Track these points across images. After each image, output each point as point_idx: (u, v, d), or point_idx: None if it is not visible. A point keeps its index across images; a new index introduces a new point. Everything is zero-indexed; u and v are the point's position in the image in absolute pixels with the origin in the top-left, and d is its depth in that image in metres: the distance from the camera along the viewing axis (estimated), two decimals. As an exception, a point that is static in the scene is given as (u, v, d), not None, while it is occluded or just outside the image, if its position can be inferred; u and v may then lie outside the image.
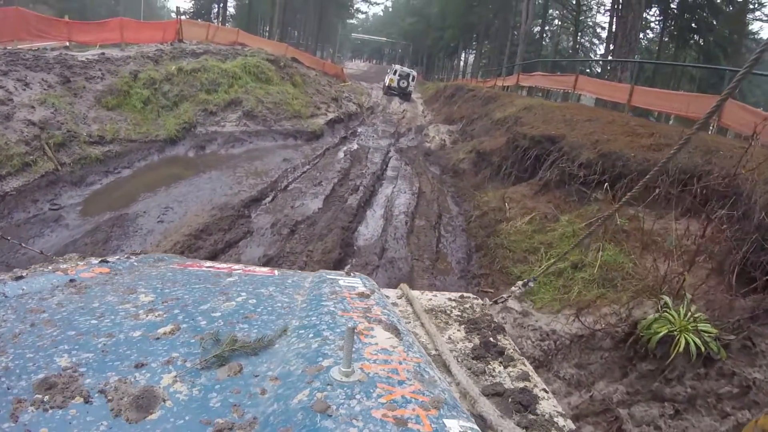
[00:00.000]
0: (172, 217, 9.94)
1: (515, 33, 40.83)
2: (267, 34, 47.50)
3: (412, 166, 17.83)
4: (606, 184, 9.38)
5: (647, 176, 3.31)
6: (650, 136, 10.36)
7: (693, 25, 30.60)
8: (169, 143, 14.58)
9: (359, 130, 23.68)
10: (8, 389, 1.14)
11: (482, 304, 3.14)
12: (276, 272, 2.50)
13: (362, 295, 2.03)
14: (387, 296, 2.56)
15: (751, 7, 27.98)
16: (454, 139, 22.44)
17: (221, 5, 58.60)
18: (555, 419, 1.92)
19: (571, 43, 44.87)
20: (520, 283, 4.02)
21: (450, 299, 3.17)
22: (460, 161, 17.74)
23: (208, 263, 2.62)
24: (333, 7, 56.17)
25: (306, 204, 11.57)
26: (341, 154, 17.53)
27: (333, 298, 1.94)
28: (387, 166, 17.21)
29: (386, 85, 37.51)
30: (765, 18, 28.45)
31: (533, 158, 12.83)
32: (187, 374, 1.26)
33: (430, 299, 3.12)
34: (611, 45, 30.18)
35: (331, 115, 22.12)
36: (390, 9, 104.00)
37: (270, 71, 20.71)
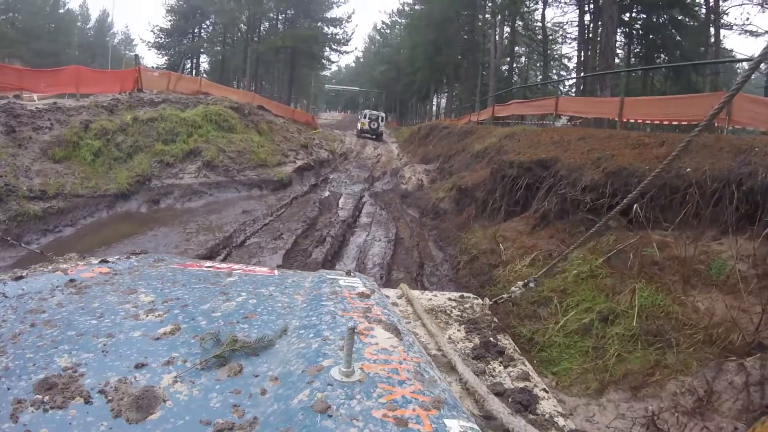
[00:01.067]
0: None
1: (484, 72, 43.24)
2: (241, 87, 49.05)
3: (387, 210, 16.98)
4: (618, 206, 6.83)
5: (639, 186, 3.40)
6: (661, 145, 9.25)
7: (658, 43, 31.67)
8: (120, 198, 13.91)
9: (331, 177, 23.15)
10: (8, 389, 1.13)
11: (482, 304, 3.10)
12: (276, 272, 2.45)
13: (362, 295, 2.01)
14: (387, 296, 2.55)
15: (713, 17, 28.49)
16: (431, 178, 21.76)
17: (194, 60, 60.48)
18: (555, 419, 1.88)
19: (540, 77, 46.44)
20: (520, 283, 3.82)
21: (450, 299, 3.13)
22: (440, 201, 16.57)
23: (208, 263, 2.58)
24: (304, 58, 58.32)
25: (263, 261, 10.43)
26: (310, 203, 16.59)
27: (333, 298, 1.92)
28: (360, 212, 16.36)
29: (359, 128, 40.88)
30: (728, 26, 28.95)
31: (524, 188, 11.63)
32: (188, 374, 1.26)
33: (430, 299, 3.08)
34: (581, 73, 31.56)
35: (300, 163, 21.56)
36: (361, 59, 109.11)
37: (233, 119, 20.21)
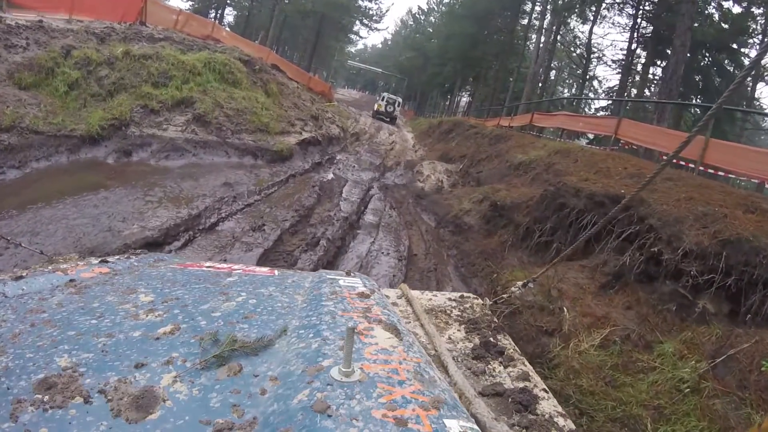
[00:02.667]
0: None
1: (514, 78, 43.15)
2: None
3: (399, 210, 14.86)
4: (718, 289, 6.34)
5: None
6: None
7: (700, 85, 30.40)
8: (87, 142, 12.01)
9: (338, 158, 20.94)
10: (8, 389, 1.15)
11: (482, 304, 3.09)
12: (276, 272, 2.46)
13: (362, 295, 2.02)
14: (387, 296, 2.54)
15: (762, 72, 27.87)
16: (453, 181, 19.40)
17: (220, 11, 57.90)
18: (555, 419, 1.88)
19: (572, 91, 46.13)
20: (519, 283, 3.83)
21: (450, 299, 3.12)
22: (464, 213, 13.77)
23: (208, 263, 2.58)
24: (331, 28, 56.26)
25: (230, 259, 8.39)
26: (308, 185, 14.41)
27: (333, 298, 1.94)
28: (366, 207, 14.17)
29: (375, 109, 42.67)
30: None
31: (589, 227, 8.90)
32: (187, 374, 1.28)
33: (431, 299, 3.07)
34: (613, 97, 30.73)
35: (306, 135, 19.02)
36: (389, 42, 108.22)
37: (240, 72, 17.94)
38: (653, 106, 21.63)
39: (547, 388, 2.10)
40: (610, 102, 34.50)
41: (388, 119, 40.91)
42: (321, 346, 1.42)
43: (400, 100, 46.77)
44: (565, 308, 7.15)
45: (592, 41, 37.83)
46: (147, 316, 1.59)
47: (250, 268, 2.60)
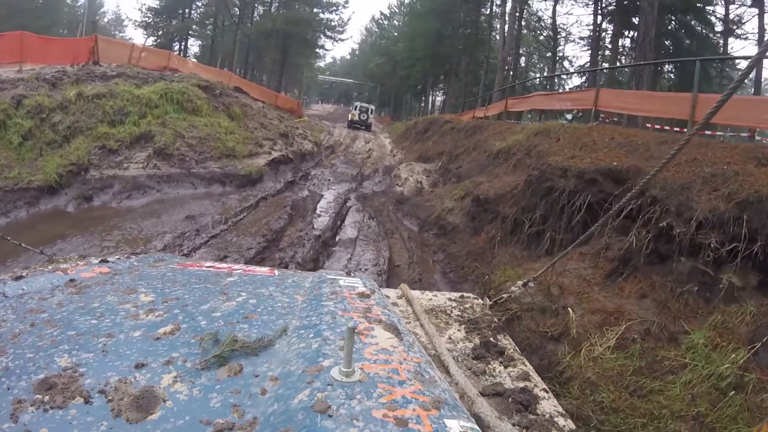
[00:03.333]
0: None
1: (487, 69, 43.70)
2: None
3: (378, 219, 13.95)
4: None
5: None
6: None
7: (671, 50, 30.45)
8: (46, 192, 11.51)
9: (313, 173, 20.39)
10: (8, 389, 1.16)
11: (482, 304, 3.09)
12: (276, 272, 2.48)
13: (362, 295, 2.03)
14: (387, 296, 2.55)
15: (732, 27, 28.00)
16: (433, 180, 18.60)
17: (183, 43, 58.69)
18: (555, 419, 1.88)
19: (545, 73, 45.41)
20: (520, 283, 3.92)
21: (450, 299, 3.12)
22: (447, 212, 13.04)
23: (209, 263, 2.59)
24: (297, 45, 56.11)
25: None
26: (280, 206, 13.76)
27: (333, 298, 1.95)
28: (343, 222, 13.35)
29: (349, 119, 43.64)
30: (744, 36, 28.42)
31: (584, 209, 8.18)
32: (188, 374, 1.29)
33: (431, 299, 3.07)
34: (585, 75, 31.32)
35: (276, 154, 18.56)
36: (357, 52, 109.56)
37: (199, 99, 17.59)
38: (628, 75, 20.75)
39: (547, 388, 2.08)
40: (584, 79, 34.54)
41: (362, 127, 42.19)
42: (321, 346, 1.42)
43: (373, 107, 48.82)
44: (569, 307, 6.08)
45: (557, 21, 38.22)
46: (147, 316, 1.58)
47: (250, 268, 2.61)
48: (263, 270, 2.55)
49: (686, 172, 6.84)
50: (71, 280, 1.89)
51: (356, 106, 45.59)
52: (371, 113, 45.80)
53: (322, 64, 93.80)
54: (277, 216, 12.36)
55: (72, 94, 13.91)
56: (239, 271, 2.36)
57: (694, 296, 5.64)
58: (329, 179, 19.51)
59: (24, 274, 1.86)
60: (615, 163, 8.26)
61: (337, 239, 11.61)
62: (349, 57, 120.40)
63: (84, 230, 10.17)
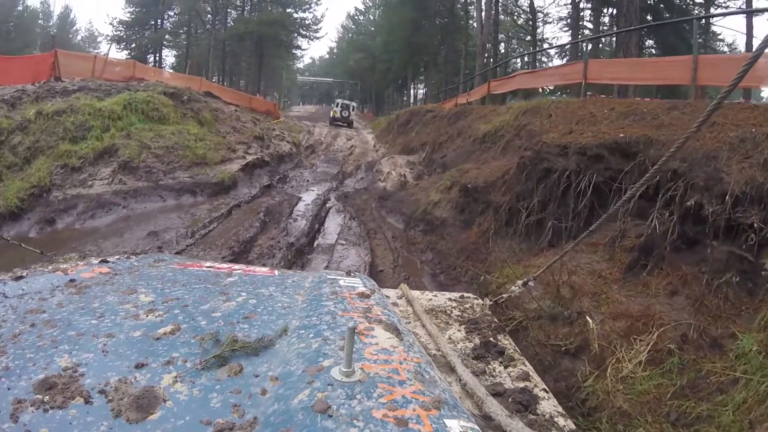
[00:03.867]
0: None
1: (467, 56, 41.57)
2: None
3: (360, 219, 13.25)
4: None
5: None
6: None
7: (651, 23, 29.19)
8: (8, 218, 10.96)
9: (291, 174, 19.54)
10: (8, 389, 1.15)
11: (482, 304, 3.07)
12: (276, 272, 2.46)
13: (362, 295, 2.02)
14: (387, 296, 2.50)
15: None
16: (417, 172, 17.62)
17: (157, 54, 57.45)
18: (555, 419, 1.88)
19: (524, 59, 44.06)
20: (520, 282, 3.70)
21: (450, 299, 3.09)
22: (433, 205, 11.92)
23: (209, 263, 2.58)
24: (272, 47, 55.46)
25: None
26: (254, 213, 12.87)
27: (333, 298, 1.94)
28: (322, 224, 12.73)
29: (331, 117, 43.94)
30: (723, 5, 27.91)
31: (590, 191, 7.08)
32: (188, 374, 1.29)
33: (431, 299, 3.05)
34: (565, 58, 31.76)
35: (250, 158, 17.59)
36: (335, 50, 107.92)
37: (166, 107, 16.91)
38: (613, 51, 19.76)
39: (547, 388, 2.07)
40: (565, 60, 34.52)
41: (345, 124, 42.64)
42: (321, 346, 1.42)
43: (354, 104, 50.88)
44: (586, 313, 4.94)
45: (535, 4, 38.39)
46: (147, 316, 1.58)
47: (251, 268, 2.57)
48: (263, 270, 2.53)
49: (708, 139, 5.81)
50: (71, 281, 1.86)
51: (337, 103, 46.39)
52: (353, 110, 46.71)
53: (300, 65, 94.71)
54: (248, 224, 11.66)
55: (31, 113, 13.42)
56: (239, 271, 2.34)
57: (735, 289, 4.68)
58: (309, 180, 18.99)
59: (24, 274, 1.84)
60: (621, 135, 7.19)
61: (314, 245, 11.03)
62: (327, 56, 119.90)
63: (41, 257, 9.46)
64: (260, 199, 14.66)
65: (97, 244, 10.09)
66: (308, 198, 15.38)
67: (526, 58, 41.90)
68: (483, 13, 31.40)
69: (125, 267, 2.19)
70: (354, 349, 1.27)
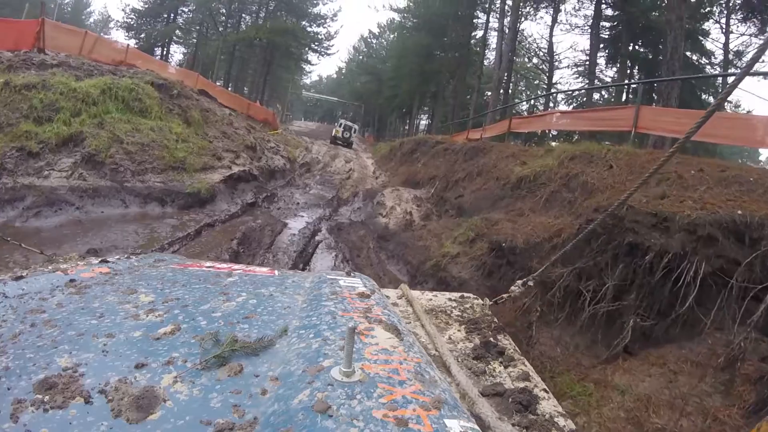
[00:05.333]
0: None
1: (479, 83, 41.84)
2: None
3: (355, 262, 10.91)
4: None
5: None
6: None
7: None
8: None
9: (280, 194, 17.27)
10: (8, 389, 1.15)
11: (482, 304, 3.01)
12: (276, 272, 2.43)
13: (362, 296, 2.00)
14: (387, 296, 2.56)
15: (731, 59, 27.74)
16: (425, 211, 14.92)
17: (165, 49, 55.93)
18: (555, 419, 1.83)
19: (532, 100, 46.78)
20: (519, 282, 3.64)
21: (450, 299, 3.05)
22: (450, 260, 9.13)
23: (209, 263, 2.55)
24: (281, 57, 54.73)
25: None
26: (227, 238, 10.62)
27: (333, 298, 1.92)
28: (307, 266, 10.54)
29: (333, 135, 45.16)
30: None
31: (696, 285, 5.01)
32: (188, 374, 1.29)
33: (431, 299, 3.02)
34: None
35: (237, 169, 15.46)
36: (343, 71, 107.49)
37: (150, 99, 14.75)
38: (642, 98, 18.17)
39: (547, 388, 2.04)
40: (573, 102, 35.28)
41: (344, 144, 44.04)
42: (321, 347, 1.41)
43: (357, 126, 51.13)
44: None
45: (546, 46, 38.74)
46: (147, 316, 1.58)
47: (251, 268, 2.55)
48: (263, 270, 2.50)
49: None
50: (71, 280, 1.85)
51: (341, 123, 47.96)
52: (354, 132, 48.30)
53: (308, 80, 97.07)
54: (216, 253, 9.77)
55: (-2, 84, 12.59)
56: (239, 272, 2.32)
57: None
58: (299, 203, 17.14)
59: (24, 274, 1.83)
60: (740, 212, 5.35)
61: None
62: (335, 76, 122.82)
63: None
64: (239, 220, 12.86)
65: (25, 255, 7.88)
66: (295, 226, 13.39)
67: (542, 100, 42.18)
68: (504, 47, 30.63)
69: (125, 267, 2.19)
70: (354, 349, 1.27)
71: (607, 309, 5.80)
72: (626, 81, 31.70)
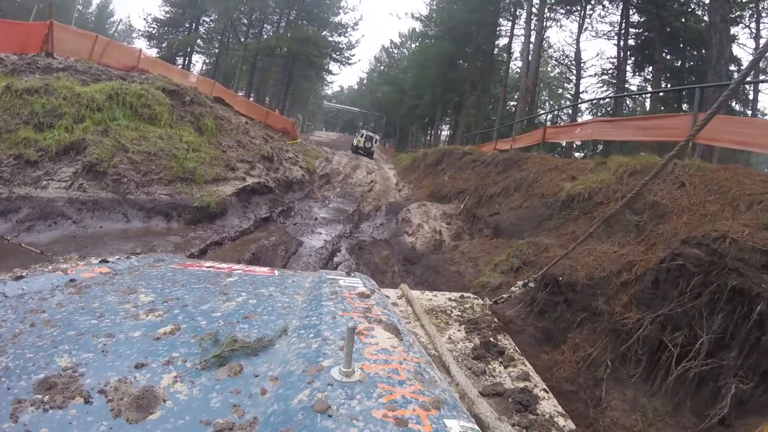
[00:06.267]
0: None
1: (505, 91, 40.84)
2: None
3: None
4: None
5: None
6: None
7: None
8: None
9: (297, 207, 16.14)
10: (8, 389, 1.16)
11: (482, 304, 2.97)
12: (276, 272, 2.42)
13: (362, 295, 1.97)
14: (387, 296, 2.47)
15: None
16: (456, 230, 13.19)
17: (187, 58, 57.31)
18: (555, 419, 1.81)
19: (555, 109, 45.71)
20: (519, 283, 3.86)
21: (450, 299, 2.99)
22: (490, 292, 7.22)
23: (209, 263, 2.52)
24: (302, 66, 54.99)
25: None
26: (236, 258, 9.49)
27: (333, 298, 1.91)
28: None
29: (354, 145, 46.85)
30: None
31: None
32: (188, 374, 1.30)
33: (431, 299, 2.96)
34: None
35: (251, 181, 14.38)
36: (365, 81, 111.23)
37: (161, 105, 13.90)
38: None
39: (547, 388, 2.02)
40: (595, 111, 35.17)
41: (365, 153, 45.83)
42: (321, 346, 1.41)
43: (378, 137, 53.00)
44: None
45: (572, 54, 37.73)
46: (147, 316, 1.58)
47: (250, 268, 2.55)
48: (263, 270, 2.49)
49: None
50: (71, 280, 1.87)
51: (362, 134, 49.77)
52: (375, 142, 49.82)
53: (329, 91, 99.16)
54: None
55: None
56: (239, 271, 2.32)
57: None
58: (317, 217, 16.13)
59: (24, 274, 1.85)
60: None
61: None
62: (357, 87, 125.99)
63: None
64: (251, 237, 11.91)
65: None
66: (312, 244, 12.25)
67: (568, 111, 41.27)
68: (531, 54, 29.89)
69: (125, 267, 2.21)
70: (354, 349, 1.28)
71: (699, 369, 4.57)
72: (668, 87, 30.16)
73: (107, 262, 2.20)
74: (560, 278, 6.40)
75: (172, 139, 13.55)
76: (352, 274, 2.32)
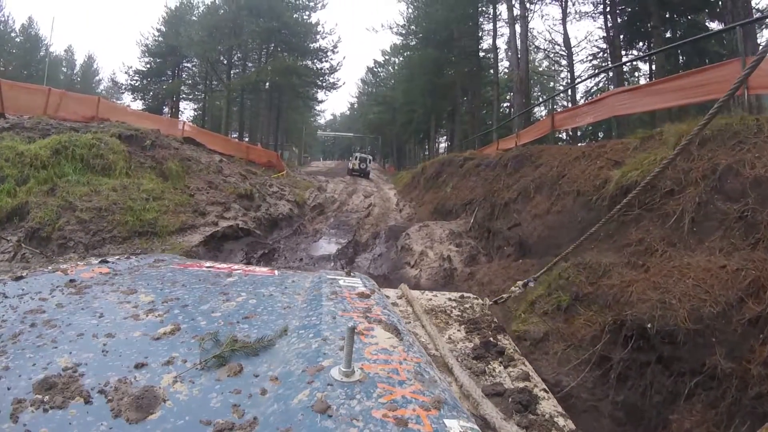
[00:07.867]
0: None
1: (498, 91, 40.79)
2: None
3: None
4: None
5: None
6: None
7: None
8: None
9: (283, 247, 14.28)
10: (8, 389, 1.17)
11: (482, 304, 2.83)
12: (276, 272, 2.40)
13: (362, 295, 1.97)
14: (387, 296, 2.46)
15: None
16: (468, 252, 10.76)
17: (172, 108, 55.58)
18: (555, 419, 1.75)
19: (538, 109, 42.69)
20: (520, 283, 3.49)
21: (450, 299, 2.89)
22: (532, 347, 4.98)
23: (209, 263, 2.56)
24: (289, 98, 55.15)
25: None
26: None
27: (333, 298, 1.89)
28: None
29: (349, 167, 49.40)
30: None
31: None
32: (188, 374, 1.30)
33: (431, 299, 2.86)
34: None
35: (223, 225, 12.80)
36: (355, 105, 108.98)
37: (115, 153, 13.05)
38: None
39: (547, 388, 1.99)
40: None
41: (361, 174, 48.25)
42: (321, 346, 1.41)
43: (371, 157, 56.58)
44: None
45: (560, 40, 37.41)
46: (147, 316, 1.58)
47: (250, 268, 2.56)
48: (263, 270, 2.49)
49: None
50: (71, 281, 1.85)
51: (356, 156, 52.53)
52: (370, 162, 52.75)
53: (322, 120, 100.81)
54: None
55: (-68, 159, 12.43)
56: (239, 272, 2.30)
57: None
58: (305, 256, 14.32)
59: (24, 274, 1.84)
60: None
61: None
62: (348, 112, 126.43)
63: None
64: None
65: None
66: None
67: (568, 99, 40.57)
68: (519, 44, 28.36)
69: (125, 267, 2.21)
70: (354, 349, 1.27)
71: None
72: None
73: (107, 262, 2.18)
74: (648, 325, 4.15)
75: (127, 190, 12.49)
76: (352, 274, 2.34)
